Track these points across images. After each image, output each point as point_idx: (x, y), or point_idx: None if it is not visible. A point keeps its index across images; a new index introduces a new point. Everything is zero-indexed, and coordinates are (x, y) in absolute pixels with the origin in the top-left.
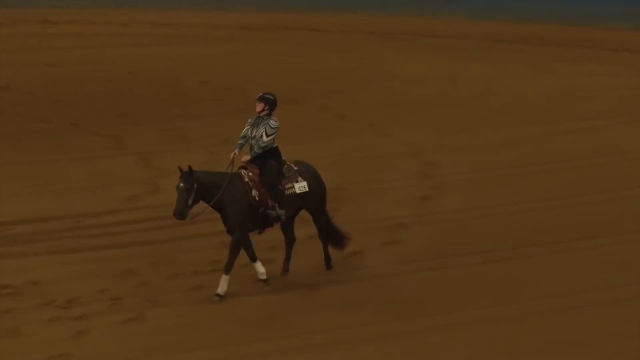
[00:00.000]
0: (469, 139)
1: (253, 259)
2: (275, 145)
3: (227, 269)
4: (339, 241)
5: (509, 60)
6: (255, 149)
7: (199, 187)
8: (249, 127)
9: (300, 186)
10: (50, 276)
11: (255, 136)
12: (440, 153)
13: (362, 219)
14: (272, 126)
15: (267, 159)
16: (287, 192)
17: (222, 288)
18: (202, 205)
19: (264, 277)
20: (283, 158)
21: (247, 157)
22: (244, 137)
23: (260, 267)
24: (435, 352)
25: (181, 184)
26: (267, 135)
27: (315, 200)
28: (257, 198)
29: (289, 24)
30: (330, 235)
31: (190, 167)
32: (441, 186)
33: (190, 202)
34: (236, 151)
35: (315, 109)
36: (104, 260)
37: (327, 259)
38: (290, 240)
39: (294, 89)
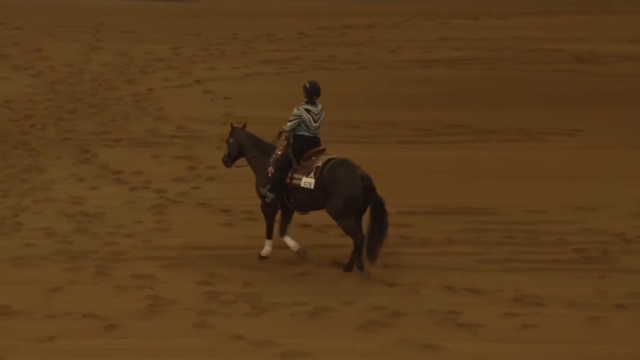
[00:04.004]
0: None
1: (268, 236)
2: (300, 134)
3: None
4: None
5: None
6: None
7: (234, 144)
8: None
9: (306, 181)
10: None
11: None
12: None
13: None
14: (293, 113)
15: (290, 145)
16: (292, 181)
17: (265, 250)
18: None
19: (265, 254)
20: (320, 149)
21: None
22: None
23: (267, 246)
24: None
25: None
26: (289, 121)
27: (330, 204)
28: (269, 175)
29: None
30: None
31: (239, 126)
32: None
33: (226, 152)
34: (284, 127)
35: None
36: None
37: (356, 262)
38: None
39: None
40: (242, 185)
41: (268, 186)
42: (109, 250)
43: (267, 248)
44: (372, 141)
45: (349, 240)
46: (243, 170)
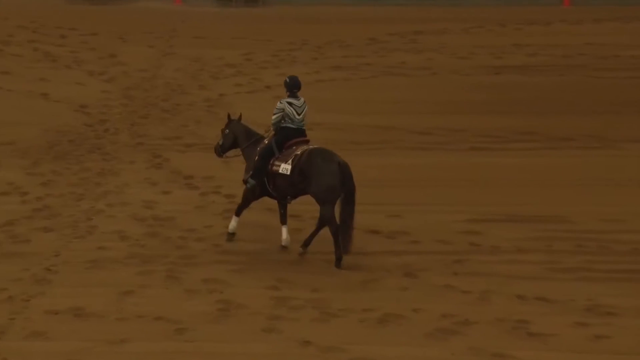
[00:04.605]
0: None
1: (237, 214)
2: (285, 126)
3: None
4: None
5: None
6: None
7: (230, 135)
8: None
9: (284, 168)
10: None
11: None
12: None
13: None
14: (276, 107)
15: (274, 136)
16: (273, 168)
17: (231, 225)
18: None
19: (229, 231)
20: (303, 139)
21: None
22: None
23: (232, 222)
24: None
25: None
26: (273, 114)
27: (312, 191)
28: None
29: None
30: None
31: (236, 117)
32: None
33: (220, 143)
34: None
35: None
36: None
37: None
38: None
39: None
40: None
41: (250, 172)
42: (179, 254)
43: (232, 224)
44: (443, 147)
45: (418, 247)
46: None
